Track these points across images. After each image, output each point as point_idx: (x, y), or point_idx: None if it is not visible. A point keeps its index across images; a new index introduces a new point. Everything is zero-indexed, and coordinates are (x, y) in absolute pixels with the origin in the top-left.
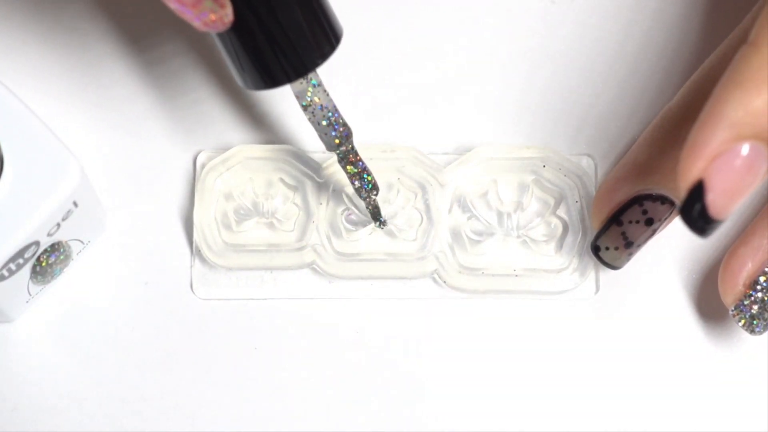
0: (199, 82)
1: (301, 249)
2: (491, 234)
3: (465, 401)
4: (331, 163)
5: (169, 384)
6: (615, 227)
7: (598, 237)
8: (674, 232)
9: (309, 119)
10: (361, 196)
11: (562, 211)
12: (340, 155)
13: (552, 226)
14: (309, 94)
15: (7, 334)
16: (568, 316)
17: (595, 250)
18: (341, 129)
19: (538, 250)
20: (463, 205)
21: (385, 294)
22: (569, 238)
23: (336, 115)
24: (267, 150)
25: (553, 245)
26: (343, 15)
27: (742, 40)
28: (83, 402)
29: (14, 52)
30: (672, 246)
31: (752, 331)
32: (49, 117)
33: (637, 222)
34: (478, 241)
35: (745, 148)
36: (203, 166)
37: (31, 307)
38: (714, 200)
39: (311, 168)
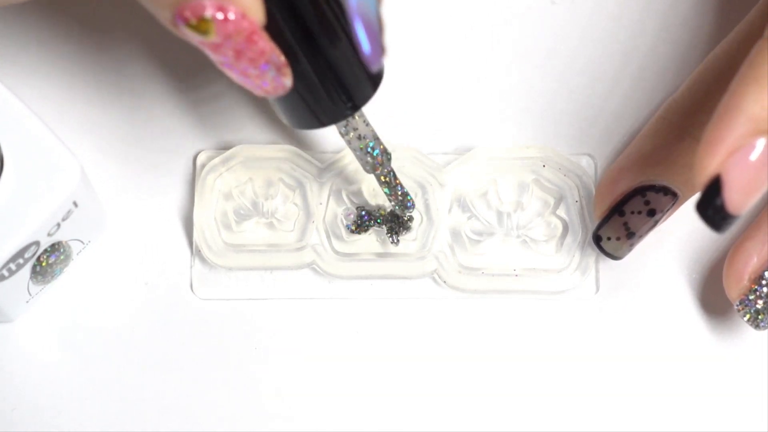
0: (199, 82)
1: (300, 249)
2: (491, 234)
3: (465, 401)
4: (330, 164)
5: (169, 384)
6: (617, 218)
7: (599, 227)
8: (676, 230)
9: (347, 144)
10: (397, 215)
11: (562, 211)
12: (378, 177)
13: (552, 225)
14: (348, 124)
15: (7, 334)
16: (569, 316)
17: (597, 240)
18: (379, 156)
19: (538, 250)
20: (463, 205)
21: (385, 294)
22: (569, 238)
23: (374, 143)
24: (267, 150)
25: (553, 245)
26: None
27: (749, 34)
28: (83, 402)
29: (14, 52)
30: (673, 244)
31: (757, 326)
32: (49, 117)
33: (639, 213)
34: (478, 241)
35: (761, 143)
36: (203, 166)
37: (31, 307)
38: (731, 196)
39: (311, 168)
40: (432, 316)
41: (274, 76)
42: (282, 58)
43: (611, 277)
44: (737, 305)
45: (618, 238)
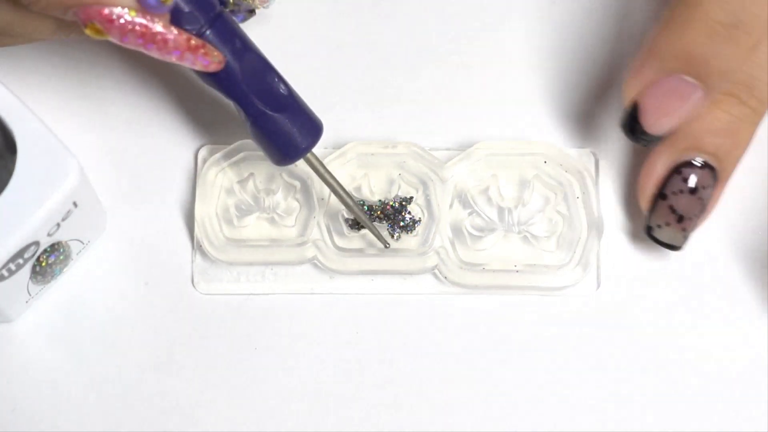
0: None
1: (302, 244)
2: (492, 230)
3: (466, 397)
4: (331, 159)
5: (169, 384)
6: (661, 202)
7: (649, 217)
8: None
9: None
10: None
11: (563, 207)
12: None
13: (553, 221)
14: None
15: (7, 334)
16: (570, 312)
17: (648, 230)
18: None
19: (539, 246)
20: (464, 201)
21: (386, 290)
22: (570, 234)
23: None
24: None
25: (554, 241)
26: (348, 15)
27: None
28: (83, 402)
29: (14, 52)
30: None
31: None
32: (49, 117)
33: (681, 192)
34: (480, 237)
35: (672, 79)
36: (205, 160)
37: (31, 307)
38: (646, 118)
39: None
40: (433, 312)
41: (195, 58)
42: (193, 43)
43: (612, 273)
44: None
45: (668, 224)
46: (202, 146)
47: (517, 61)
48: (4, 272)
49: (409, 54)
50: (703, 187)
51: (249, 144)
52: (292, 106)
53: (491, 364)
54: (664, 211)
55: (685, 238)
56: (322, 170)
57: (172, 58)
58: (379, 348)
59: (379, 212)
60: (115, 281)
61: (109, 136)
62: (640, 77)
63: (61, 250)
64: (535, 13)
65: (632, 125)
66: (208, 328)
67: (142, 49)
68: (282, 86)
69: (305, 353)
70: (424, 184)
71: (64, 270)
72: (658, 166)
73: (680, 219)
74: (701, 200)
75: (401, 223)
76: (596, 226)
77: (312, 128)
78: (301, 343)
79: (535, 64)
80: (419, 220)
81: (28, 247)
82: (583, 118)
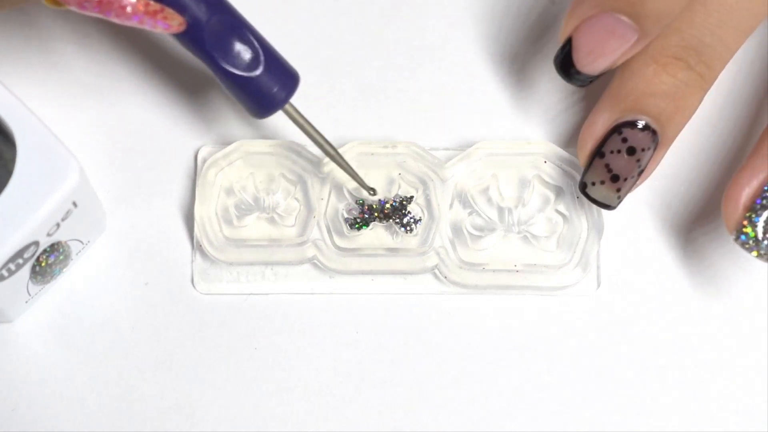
0: (199, 78)
1: (302, 244)
2: (492, 229)
3: (466, 397)
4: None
5: (169, 384)
6: (598, 160)
7: (584, 174)
8: (677, 226)
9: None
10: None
11: (563, 207)
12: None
13: (553, 221)
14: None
15: (7, 334)
16: (570, 312)
17: (583, 187)
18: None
19: (539, 246)
20: (464, 201)
21: (386, 289)
22: (570, 234)
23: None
24: (268, 145)
25: (554, 241)
26: (348, 14)
27: None
28: (83, 402)
29: (15, 52)
30: (673, 241)
31: (760, 255)
32: (49, 117)
33: (619, 152)
34: (479, 237)
35: (607, 16)
36: (204, 161)
37: (31, 307)
38: (578, 56)
39: (312, 163)
40: (433, 311)
41: (155, 22)
42: (151, 8)
43: (612, 273)
44: (736, 238)
45: (602, 182)
46: (202, 146)
47: (518, 61)
48: (4, 272)
49: (409, 54)
50: (642, 150)
51: (249, 144)
52: (263, 63)
53: (491, 364)
54: (601, 169)
55: (619, 198)
56: (301, 121)
57: (133, 23)
58: (379, 348)
59: (378, 212)
60: (115, 281)
61: (109, 136)
62: (578, 12)
63: (61, 250)
64: (534, 13)
65: (565, 63)
66: (208, 328)
67: (101, 16)
68: (254, 44)
69: (305, 353)
70: (424, 183)
71: (64, 270)
72: (599, 124)
73: (615, 178)
74: (639, 162)
75: (401, 223)
76: (596, 226)
77: (287, 81)
78: (301, 343)
79: (535, 64)
80: (419, 220)
81: (27, 247)
82: (583, 119)
